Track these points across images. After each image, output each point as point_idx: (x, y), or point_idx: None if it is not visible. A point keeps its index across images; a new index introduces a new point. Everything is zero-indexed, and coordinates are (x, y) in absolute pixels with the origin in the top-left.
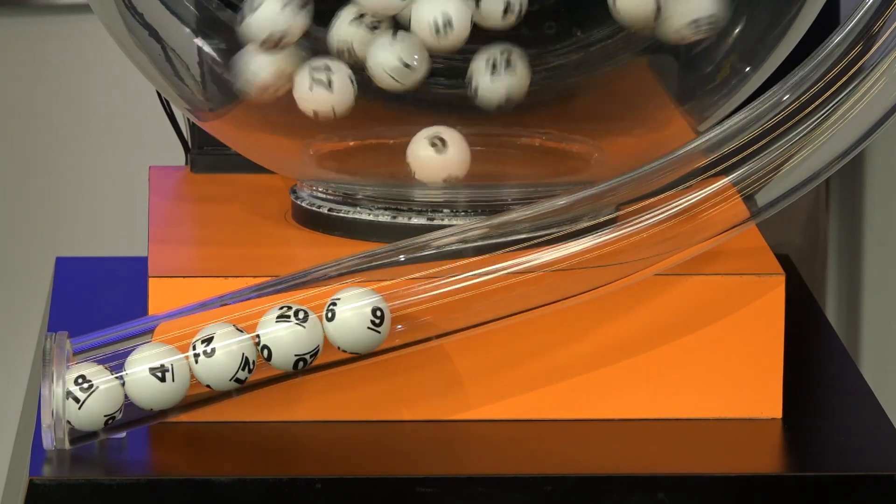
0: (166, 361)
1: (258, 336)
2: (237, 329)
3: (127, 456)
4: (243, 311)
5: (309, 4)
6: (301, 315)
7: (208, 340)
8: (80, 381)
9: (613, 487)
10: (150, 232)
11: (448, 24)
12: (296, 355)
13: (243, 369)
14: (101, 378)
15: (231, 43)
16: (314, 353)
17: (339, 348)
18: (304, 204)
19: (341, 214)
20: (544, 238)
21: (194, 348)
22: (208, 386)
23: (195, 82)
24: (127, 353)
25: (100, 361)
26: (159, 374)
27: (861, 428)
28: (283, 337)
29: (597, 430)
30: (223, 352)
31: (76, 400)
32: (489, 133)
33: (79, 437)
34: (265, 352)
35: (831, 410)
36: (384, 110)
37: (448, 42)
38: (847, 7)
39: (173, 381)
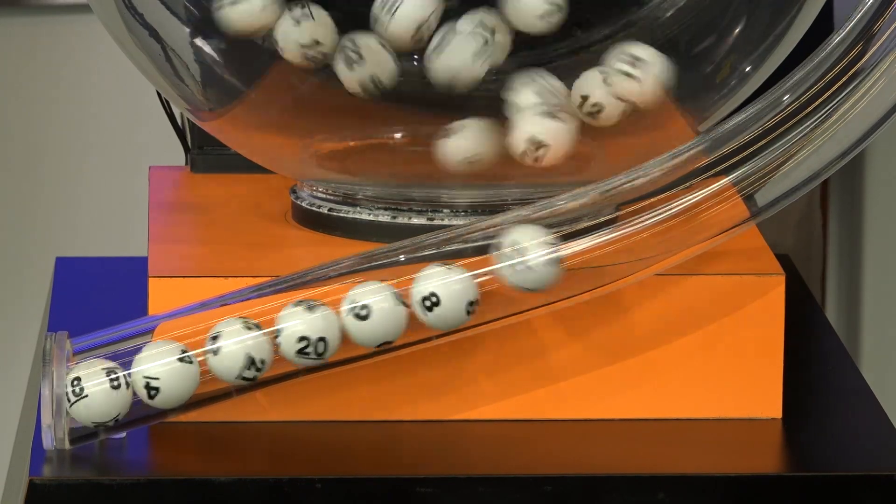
0: (184, 349)
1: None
2: (246, 327)
3: (127, 456)
4: (243, 312)
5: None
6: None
7: (215, 338)
8: (75, 382)
9: (613, 487)
10: (150, 232)
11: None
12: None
13: (249, 368)
14: (93, 381)
15: (231, 43)
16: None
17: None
18: (304, 204)
19: (341, 214)
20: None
21: (205, 345)
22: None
23: (195, 82)
24: (127, 353)
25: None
26: (188, 359)
27: (861, 428)
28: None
29: (597, 430)
30: (227, 351)
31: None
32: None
33: (79, 437)
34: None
35: (831, 410)
36: (384, 110)
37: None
38: (841, 8)
39: (193, 361)
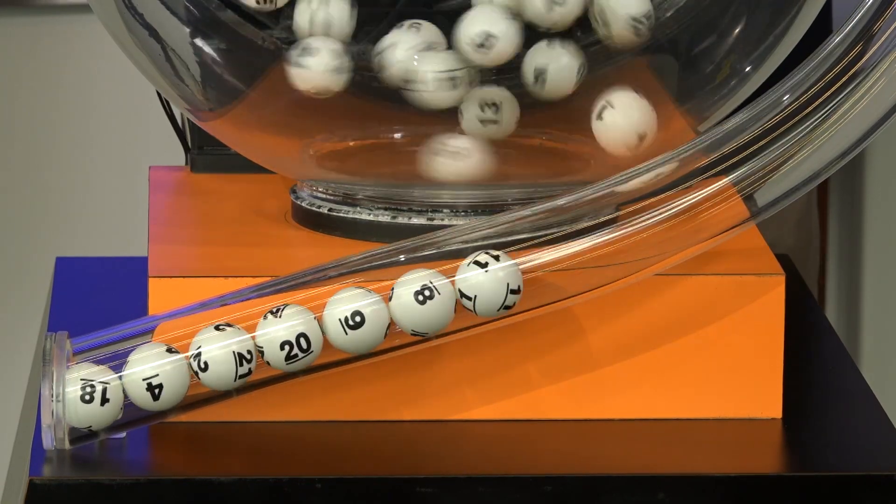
0: (158, 373)
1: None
2: (217, 329)
3: (127, 456)
4: (243, 311)
5: None
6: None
7: (197, 356)
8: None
9: (613, 487)
10: (150, 232)
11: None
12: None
13: (241, 365)
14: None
15: (231, 43)
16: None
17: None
18: (304, 204)
19: (341, 214)
20: (544, 238)
21: (191, 365)
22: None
23: (195, 82)
24: (127, 353)
25: (100, 361)
26: (155, 392)
27: (861, 428)
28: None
29: (597, 430)
30: (214, 361)
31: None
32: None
33: (79, 437)
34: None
35: (831, 410)
36: (384, 110)
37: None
38: (841, 8)
39: (161, 395)
